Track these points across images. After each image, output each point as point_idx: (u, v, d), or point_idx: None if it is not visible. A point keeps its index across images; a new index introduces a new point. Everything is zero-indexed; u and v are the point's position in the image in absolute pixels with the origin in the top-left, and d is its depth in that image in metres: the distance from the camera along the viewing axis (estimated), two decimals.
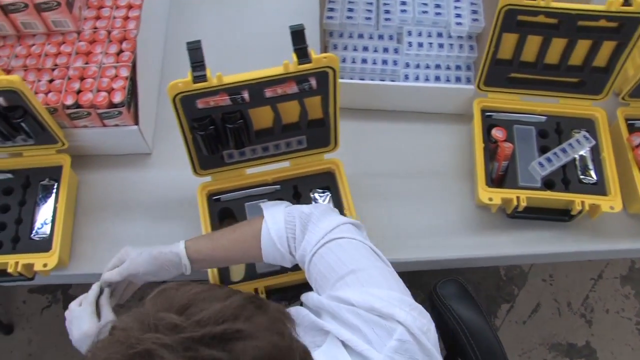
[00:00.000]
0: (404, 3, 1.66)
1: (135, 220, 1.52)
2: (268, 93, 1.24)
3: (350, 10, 1.67)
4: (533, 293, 2.61)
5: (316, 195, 1.44)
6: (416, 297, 1.02)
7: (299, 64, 1.21)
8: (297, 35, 1.22)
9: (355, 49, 1.64)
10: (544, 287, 2.62)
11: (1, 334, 2.55)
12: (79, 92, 1.44)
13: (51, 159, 1.50)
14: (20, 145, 1.46)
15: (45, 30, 1.54)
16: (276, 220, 1.15)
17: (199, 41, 1.19)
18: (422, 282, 2.33)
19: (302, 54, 1.21)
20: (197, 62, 1.19)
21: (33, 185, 1.49)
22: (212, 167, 1.40)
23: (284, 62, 1.21)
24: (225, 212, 1.43)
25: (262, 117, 1.31)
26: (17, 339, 2.56)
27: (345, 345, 0.92)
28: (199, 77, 1.18)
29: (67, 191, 1.46)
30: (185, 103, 1.21)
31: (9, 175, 1.50)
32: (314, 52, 1.21)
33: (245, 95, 1.22)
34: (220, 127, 1.29)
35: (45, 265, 1.38)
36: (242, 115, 1.27)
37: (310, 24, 1.76)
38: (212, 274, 1.35)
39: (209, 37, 1.78)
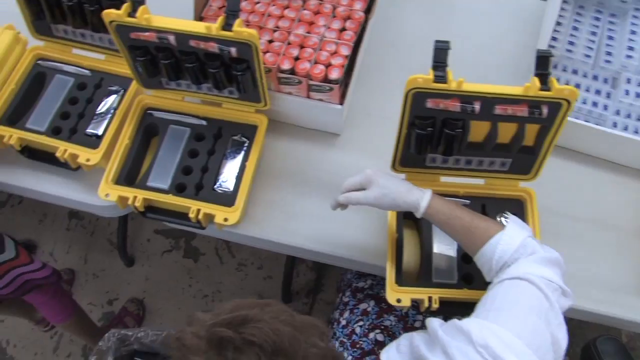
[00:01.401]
0: (631, 48, 1.59)
1: (311, 196, 1.51)
2: (498, 110, 1.20)
3: (571, 43, 1.61)
4: None
5: (503, 219, 1.39)
6: None
7: (540, 89, 1.17)
8: (543, 61, 1.18)
9: (566, 84, 1.59)
10: None
11: (124, 265, 2.62)
12: (296, 59, 1.44)
13: (248, 116, 1.51)
14: (224, 96, 1.47)
15: None
16: (511, 241, 1.11)
17: (448, 42, 1.17)
18: None
19: (543, 80, 1.17)
20: (441, 62, 1.17)
21: (224, 137, 1.50)
22: (411, 166, 1.38)
23: (526, 84, 1.17)
24: (411, 214, 1.41)
25: (477, 130, 1.28)
26: (135, 273, 2.63)
27: None
28: (440, 78, 1.16)
29: (259, 152, 1.46)
30: (417, 99, 1.19)
31: (203, 122, 1.52)
32: (556, 82, 1.17)
33: (477, 106, 1.19)
34: (437, 130, 1.26)
35: (225, 219, 1.38)
36: (463, 124, 1.25)
37: (521, 47, 1.74)
38: (389, 272, 1.33)
39: (410, 35, 1.78)
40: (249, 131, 1.50)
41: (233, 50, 1.28)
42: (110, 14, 1.28)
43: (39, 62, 1.63)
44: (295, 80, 1.43)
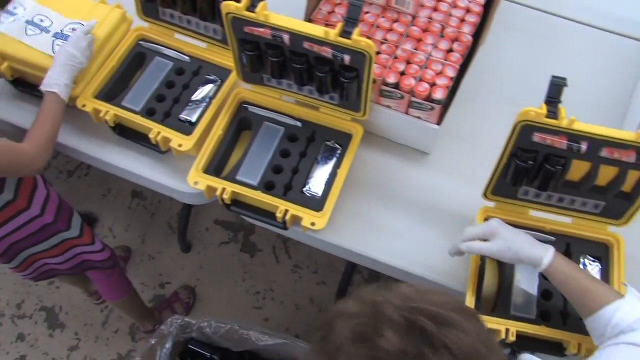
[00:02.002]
0: None
1: (397, 212, 1.51)
2: (604, 152, 1.19)
3: None
4: None
5: (586, 261, 1.38)
6: None
7: None
8: None
9: None
10: None
11: (180, 250, 2.65)
12: (402, 73, 1.44)
13: (343, 123, 1.51)
14: (324, 100, 1.48)
15: (383, 3, 1.55)
16: (631, 311, 1.08)
17: (564, 79, 1.16)
18: None
19: None
20: (554, 98, 1.17)
21: (317, 141, 1.51)
22: (502, 196, 1.37)
23: (639, 131, 1.16)
24: None
25: (576, 169, 1.27)
26: (190, 259, 2.65)
27: None
28: (552, 113, 1.16)
29: (351, 160, 1.47)
30: (524, 131, 1.19)
31: (298, 124, 1.53)
32: None
33: (583, 146, 1.18)
34: (537, 164, 1.26)
35: (312, 224, 1.38)
36: (564, 161, 1.24)
37: (617, 87, 1.72)
38: (469, 299, 1.32)
39: (510, 64, 1.76)
40: (343, 138, 1.50)
41: (347, 57, 1.29)
42: (229, 6, 1.30)
43: (140, 42, 1.66)
44: (397, 94, 1.43)
